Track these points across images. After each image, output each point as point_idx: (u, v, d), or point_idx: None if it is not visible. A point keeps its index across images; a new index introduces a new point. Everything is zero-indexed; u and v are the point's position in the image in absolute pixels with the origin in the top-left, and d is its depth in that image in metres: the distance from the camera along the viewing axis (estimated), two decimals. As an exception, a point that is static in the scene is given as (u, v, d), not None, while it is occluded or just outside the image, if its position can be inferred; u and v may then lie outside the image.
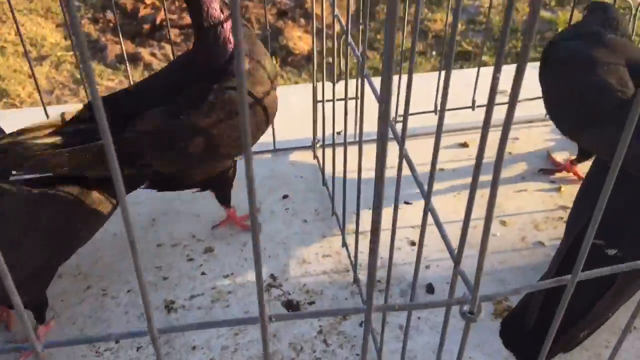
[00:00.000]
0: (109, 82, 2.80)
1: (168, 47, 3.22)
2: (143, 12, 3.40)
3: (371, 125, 1.21)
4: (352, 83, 1.08)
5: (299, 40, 3.12)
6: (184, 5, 3.46)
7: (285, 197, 1.17)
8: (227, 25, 0.88)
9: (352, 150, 0.86)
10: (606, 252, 0.80)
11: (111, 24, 3.26)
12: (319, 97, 1.11)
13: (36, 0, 3.35)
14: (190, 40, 3.23)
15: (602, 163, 0.93)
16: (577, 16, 1.45)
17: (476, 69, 1.24)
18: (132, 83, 1.09)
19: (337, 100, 1.09)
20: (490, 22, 3.12)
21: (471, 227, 0.45)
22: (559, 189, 1.16)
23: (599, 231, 0.66)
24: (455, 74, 1.29)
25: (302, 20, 3.28)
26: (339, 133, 1.13)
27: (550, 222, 1.08)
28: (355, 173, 0.83)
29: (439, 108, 1.11)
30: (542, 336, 0.58)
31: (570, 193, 1.13)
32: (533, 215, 1.10)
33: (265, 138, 1.09)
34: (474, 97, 1.26)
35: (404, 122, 0.55)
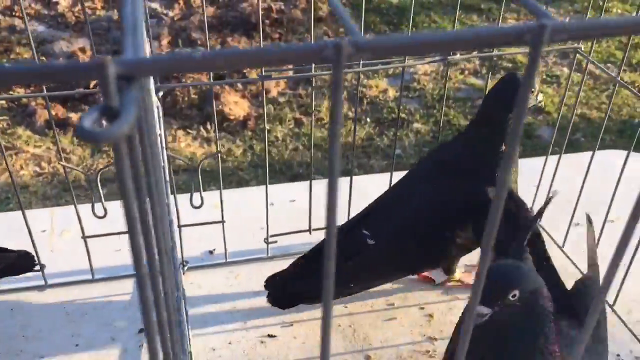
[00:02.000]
0: (36, 149, 2.71)
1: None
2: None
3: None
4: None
5: (235, 105, 3.10)
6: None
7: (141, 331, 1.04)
8: None
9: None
10: (368, 241, 1.02)
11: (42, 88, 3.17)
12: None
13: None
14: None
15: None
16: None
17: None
18: (60, 149, 1.03)
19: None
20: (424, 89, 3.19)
21: None
22: (430, 317, 1.09)
23: (369, 224, 1.05)
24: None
25: (239, 85, 3.28)
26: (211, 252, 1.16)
27: (416, 357, 1.02)
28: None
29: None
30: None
31: (441, 321, 1.08)
32: (399, 348, 1.03)
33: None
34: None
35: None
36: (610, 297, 1.08)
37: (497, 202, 0.29)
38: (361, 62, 1.04)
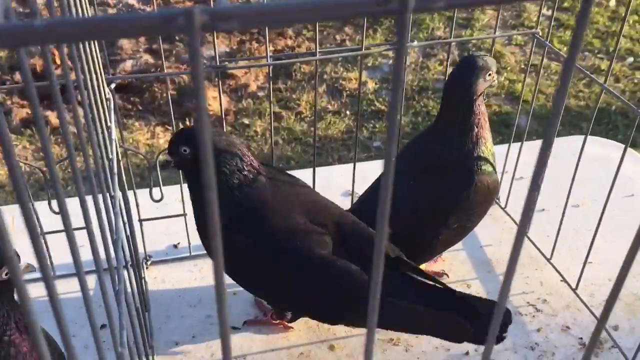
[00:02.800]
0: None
1: (80, 111, 3.13)
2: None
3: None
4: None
5: (214, 100, 3.09)
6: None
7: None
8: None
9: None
10: None
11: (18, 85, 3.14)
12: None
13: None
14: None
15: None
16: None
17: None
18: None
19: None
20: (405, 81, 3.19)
21: None
22: None
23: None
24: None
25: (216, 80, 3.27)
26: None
27: (380, 346, 1.01)
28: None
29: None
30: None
31: None
32: (364, 338, 1.03)
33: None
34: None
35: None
36: (572, 281, 1.09)
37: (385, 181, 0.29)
38: (318, 50, 1.03)
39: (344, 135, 2.92)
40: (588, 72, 1.05)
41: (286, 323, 1.03)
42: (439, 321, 0.86)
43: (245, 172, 0.88)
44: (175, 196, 1.13)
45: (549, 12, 3.38)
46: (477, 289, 1.11)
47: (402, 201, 1.03)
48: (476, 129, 1.01)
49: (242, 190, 0.88)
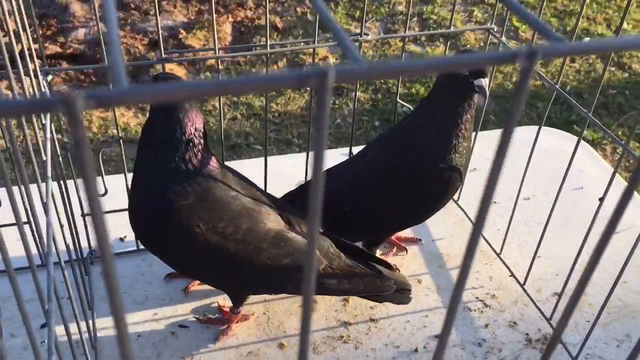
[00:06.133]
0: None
1: (27, 81, 3.02)
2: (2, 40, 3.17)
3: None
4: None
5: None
6: (47, 33, 3.28)
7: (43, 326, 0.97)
8: None
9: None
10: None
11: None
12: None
13: None
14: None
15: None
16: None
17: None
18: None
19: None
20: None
21: None
22: (345, 302, 1.08)
23: None
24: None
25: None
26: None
27: (330, 343, 1.01)
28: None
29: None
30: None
31: (356, 305, 1.07)
32: (313, 335, 1.03)
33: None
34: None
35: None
36: (521, 276, 1.10)
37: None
38: (268, 44, 1.00)
39: (304, 112, 2.88)
40: (545, 77, 1.04)
41: (242, 314, 1.03)
42: (368, 278, 0.97)
43: (198, 148, 0.87)
44: (122, 187, 1.09)
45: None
46: (428, 284, 1.11)
47: (362, 165, 1.03)
48: (460, 125, 1.00)
49: (190, 170, 0.86)
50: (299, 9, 3.49)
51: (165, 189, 0.86)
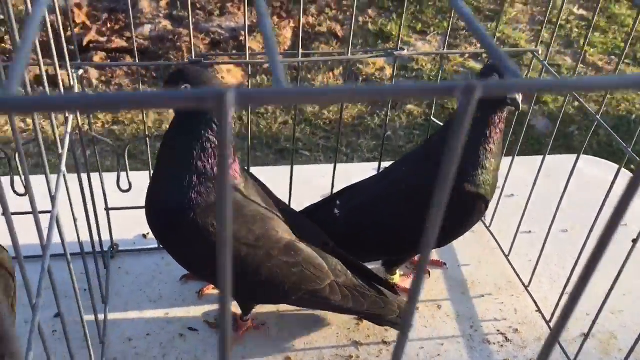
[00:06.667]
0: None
1: (92, 71, 3.12)
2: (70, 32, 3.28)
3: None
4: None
5: (228, 73, 3.05)
6: (116, 27, 3.37)
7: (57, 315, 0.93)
8: None
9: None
10: (335, 211, 1.04)
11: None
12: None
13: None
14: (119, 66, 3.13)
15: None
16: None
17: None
18: None
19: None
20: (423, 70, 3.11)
21: None
22: (359, 321, 1.05)
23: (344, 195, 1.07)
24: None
25: (233, 55, 3.22)
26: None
27: None
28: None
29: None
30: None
31: (370, 326, 1.04)
32: (322, 351, 1.00)
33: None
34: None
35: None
36: (547, 313, 1.04)
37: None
38: (300, 52, 0.98)
39: (355, 121, 2.86)
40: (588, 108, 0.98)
41: (254, 324, 1.01)
42: (372, 299, 0.95)
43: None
44: (147, 184, 1.10)
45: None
46: (447, 311, 1.07)
47: (390, 182, 1.01)
48: (488, 139, 0.95)
49: (209, 172, 0.86)
50: (360, 18, 3.47)
51: (182, 188, 0.85)
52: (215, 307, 1.05)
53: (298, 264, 0.90)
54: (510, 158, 1.12)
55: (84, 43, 3.21)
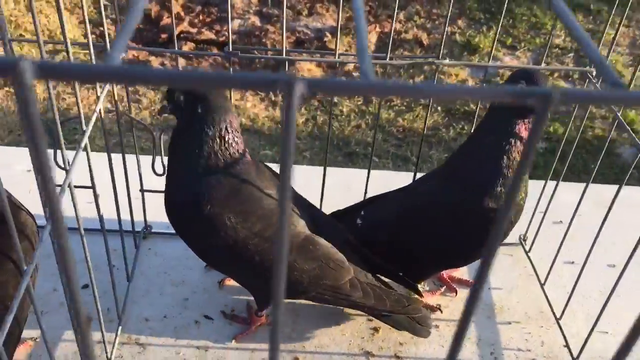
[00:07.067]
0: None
1: (181, 60, 3.23)
2: (165, 21, 3.42)
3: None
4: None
5: (308, 72, 3.07)
6: (207, 20, 3.48)
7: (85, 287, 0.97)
8: None
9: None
10: (357, 221, 1.03)
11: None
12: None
13: (63, -4, 3.41)
14: (204, 57, 3.23)
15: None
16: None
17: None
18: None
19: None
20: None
21: None
22: (375, 332, 1.02)
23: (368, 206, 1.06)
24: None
25: (317, 54, 3.24)
26: None
27: None
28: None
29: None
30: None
31: (385, 338, 1.01)
32: (332, 357, 0.98)
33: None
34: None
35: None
36: (576, 349, 0.97)
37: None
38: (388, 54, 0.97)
39: (429, 132, 2.81)
40: None
41: (265, 321, 1.01)
42: (395, 297, 0.93)
43: (231, 142, 0.87)
44: None
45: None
46: (468, 333, 1.02)
47: (413, 199, 0.98)
48: (512, 150, 0.91)
49: (226, 163, 0.86)
50: (449, 28, 3.40)
51: (198, 179, 0.86)
52: (232, 297, 1.06)
53: (317, 258, 0.90)
54: (554, 182, 1.06)
55: (176, 32, 3.33)
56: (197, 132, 0.85)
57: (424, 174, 1.07)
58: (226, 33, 3.37)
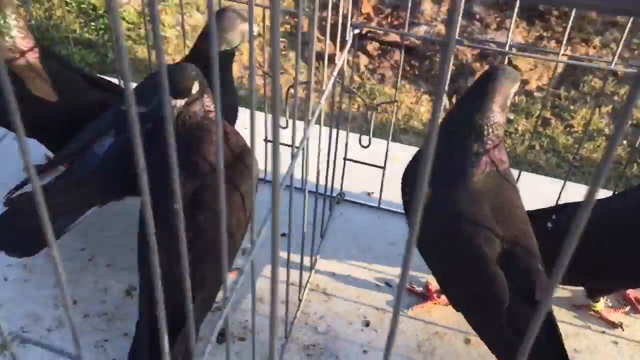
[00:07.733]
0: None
1: (364, 58, 3.35)
2: (353, 19, 3.56)
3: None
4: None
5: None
6: (396, 22, 3.58)
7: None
8: None
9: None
10: (547, 224, 1.01)
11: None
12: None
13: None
14: (386, 59, 3.33)
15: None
16: None
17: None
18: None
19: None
20: None
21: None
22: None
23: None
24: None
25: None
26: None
27: None
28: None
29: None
30: None
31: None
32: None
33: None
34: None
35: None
36: None
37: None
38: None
39: (613, 165, 2.68)
40: None
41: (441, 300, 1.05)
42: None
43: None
44: (383, 150, 1.17)
45: None
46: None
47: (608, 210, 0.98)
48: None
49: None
50: (646, 60, 3.22)
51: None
52: (412, 273, 1.11)
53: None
54: None
55: (363, 31, 3.46)
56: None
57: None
58: (411, 38, 3.45)
